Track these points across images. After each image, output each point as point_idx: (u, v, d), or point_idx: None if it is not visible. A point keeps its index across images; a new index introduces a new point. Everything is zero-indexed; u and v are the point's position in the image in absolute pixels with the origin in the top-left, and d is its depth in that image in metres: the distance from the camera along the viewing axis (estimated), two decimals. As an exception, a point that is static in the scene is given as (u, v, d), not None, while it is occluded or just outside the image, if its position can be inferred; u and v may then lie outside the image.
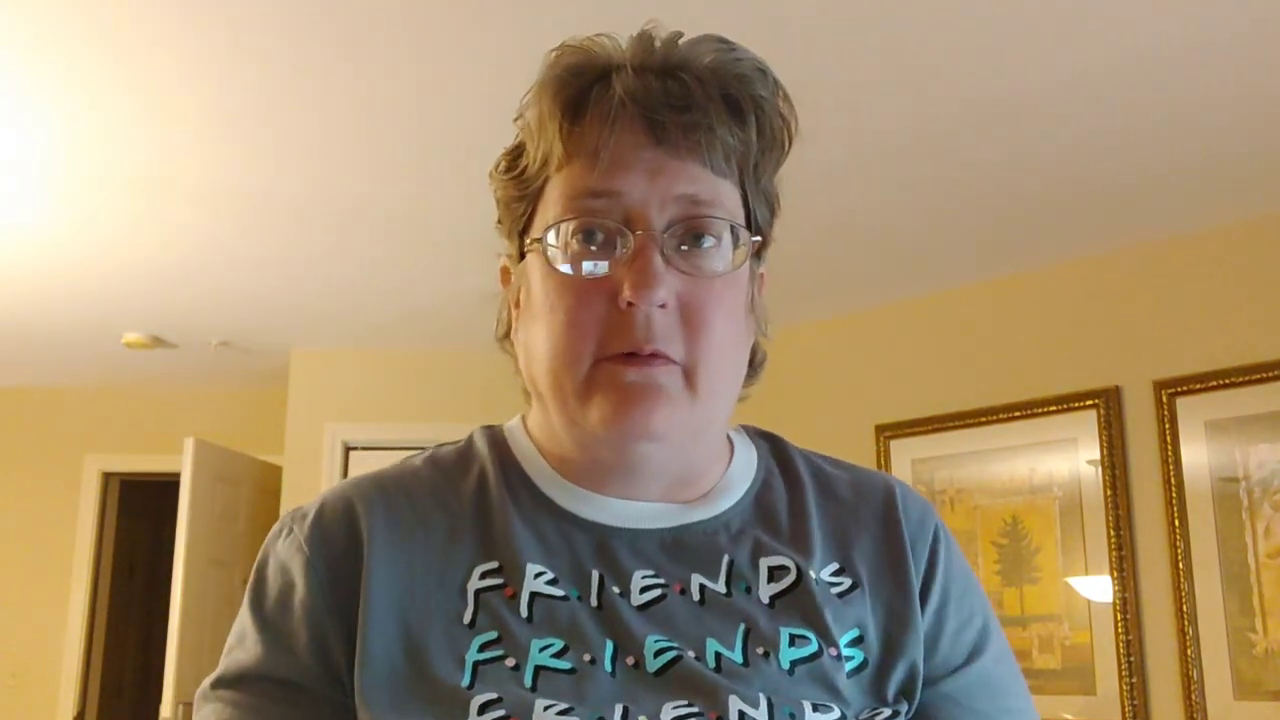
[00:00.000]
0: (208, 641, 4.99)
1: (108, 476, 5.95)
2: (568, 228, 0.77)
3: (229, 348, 5.06)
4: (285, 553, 0.79)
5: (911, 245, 3.79)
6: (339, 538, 0.79)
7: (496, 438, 0.87)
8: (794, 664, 0.75)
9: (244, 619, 0.80)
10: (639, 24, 0.81)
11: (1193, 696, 3.37)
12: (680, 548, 0.80)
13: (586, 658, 0.74)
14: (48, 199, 3.41)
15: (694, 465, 0.83)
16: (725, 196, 0.79)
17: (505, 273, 0.87)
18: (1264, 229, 3.45)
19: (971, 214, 3.50)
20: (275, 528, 0.83)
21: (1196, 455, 3.48)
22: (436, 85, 2.73)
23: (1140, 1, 2.33)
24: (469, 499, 0.82)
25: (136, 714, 7.20)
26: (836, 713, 0.73)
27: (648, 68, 0.78)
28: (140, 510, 6.93)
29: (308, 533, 0.79)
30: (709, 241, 0.78)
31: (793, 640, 0.76)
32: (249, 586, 0.81)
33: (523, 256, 0.83)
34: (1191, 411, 3.50)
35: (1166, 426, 3.54)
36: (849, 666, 0.77)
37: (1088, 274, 3.82)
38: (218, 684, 0.78)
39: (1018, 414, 3.90)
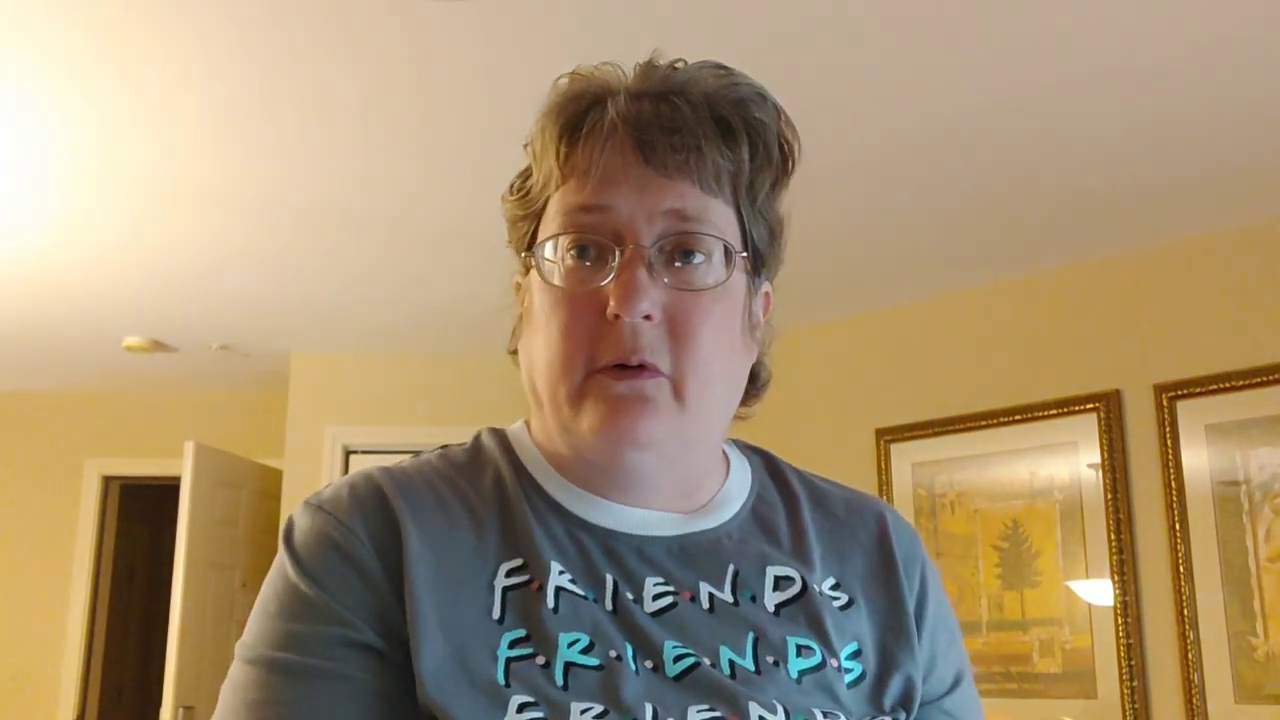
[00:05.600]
0: (208, 645, 4.99)
1: (108, 480, 5.94)
2: (562, 243, 0.80)
3: (229, 351, 5.06)
4: (323, 525, 0.77)
5: (911, 248, 3.79)
6: (375, 513, 0.77)
7: (503, 440, 0.88)
8: (802, 674, 0.77)
9: (285, 589, 0.76)
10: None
11: (1193, 700, 3.37)
12: (687, 556, 0.82)
13: (613, 654, 0.74)
14: (47, 201, 3.41)
15: (690, 476, 0.85)
16: (715, 214, 0.81)
17: (517, 288, 0.89)
18: (1264, 233, 3.45)
19: (972, 218, 3.50)
20: (293, 516, 0.80)
21: (1197, 459, 3.48)
22: (437, 89, 2.73)
23: (1143, 7, 2.34)
24: (489, 496, 0.82)
25: (136, 718, 7.20)
26: None
27: (644, 93, 0.81)
28: (140, 514, 6.93)
29: (346, 507, 0.77)
30: (698, 257, 0.80)
31: (799, 650, 0.79)
32: (282, 564, 0.77)
33: (528, 272, 0.86)
34: (1192, 415, 3.50)
35: (1167, 430, 3.54)
36: (848, 678, 0.80)
37: (1088, 278, 3.82)
38: (258, 658, 0.75)
39: (1018, 417, 3.90)
